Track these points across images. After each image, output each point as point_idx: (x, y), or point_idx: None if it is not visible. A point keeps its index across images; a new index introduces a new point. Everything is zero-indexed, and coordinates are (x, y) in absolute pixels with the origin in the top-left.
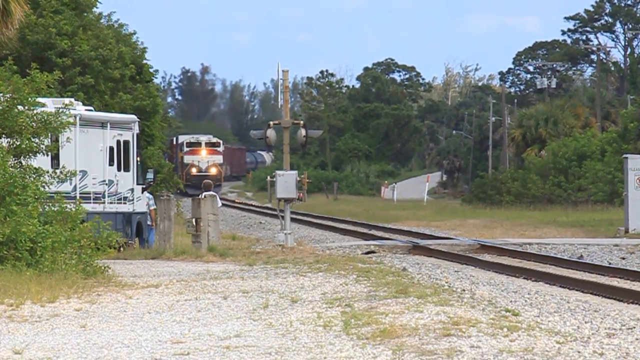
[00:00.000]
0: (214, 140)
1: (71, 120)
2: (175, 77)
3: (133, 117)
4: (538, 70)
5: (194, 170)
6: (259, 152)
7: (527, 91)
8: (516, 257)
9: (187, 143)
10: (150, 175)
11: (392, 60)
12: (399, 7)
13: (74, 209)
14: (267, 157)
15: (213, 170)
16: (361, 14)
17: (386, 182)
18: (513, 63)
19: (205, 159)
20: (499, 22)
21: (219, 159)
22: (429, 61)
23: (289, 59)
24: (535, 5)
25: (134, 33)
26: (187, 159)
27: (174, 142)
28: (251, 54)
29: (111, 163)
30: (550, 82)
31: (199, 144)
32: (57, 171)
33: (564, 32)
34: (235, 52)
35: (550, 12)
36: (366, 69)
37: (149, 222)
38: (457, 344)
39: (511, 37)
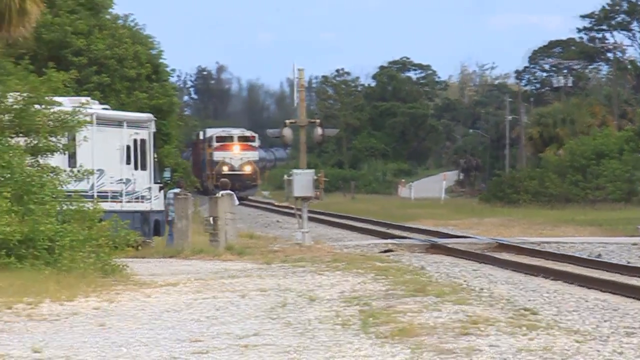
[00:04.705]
0: (248, 134)
1: (88, 119)
2: (191, 76)
3: (149, 115)
4: (554, 68)
5: (225, 169)
6: None
7: (543, 89)
8: (534, 256)
9: (217, 137)
10: (167, 174)
11: (408, 58)
12: (416, 5)
13: (91, 208)
14: None
15: (248, 169)
16: (380, 13)
17: (403, 180)
18: (529, 61)
19: (239, 156)
20: (519, 20)
21: (254, 155)
22: (444, 60)
23: (306, 57)
24: (556, 3)
25: (151, 37)
26: (217, 155)
27: (200, 137)
28: (271, 52)
29: (128, 162)
30: (566, 81)
31: (230, 138)
32: (75, 170)
33: (579, 30)
34: (255, 51)
35: (571, 10)
36: (382, 67)
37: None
38: (475, 342)
39: (527, 36)
